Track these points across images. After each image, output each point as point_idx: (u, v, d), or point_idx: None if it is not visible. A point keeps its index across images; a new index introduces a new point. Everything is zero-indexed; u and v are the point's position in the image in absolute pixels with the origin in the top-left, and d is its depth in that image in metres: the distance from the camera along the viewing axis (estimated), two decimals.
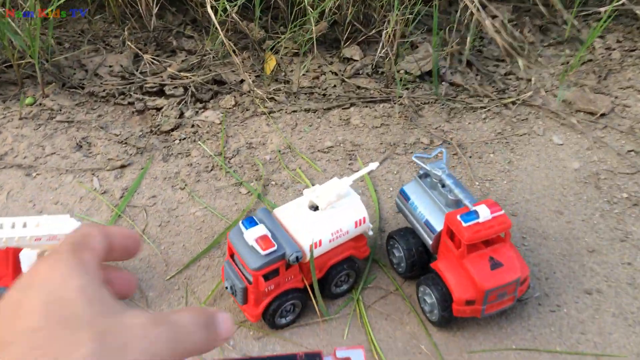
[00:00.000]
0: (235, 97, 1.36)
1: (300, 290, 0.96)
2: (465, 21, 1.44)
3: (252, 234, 0.90)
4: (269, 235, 0.91)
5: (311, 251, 0.92)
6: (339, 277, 0.99)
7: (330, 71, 1.43)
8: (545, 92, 1.40)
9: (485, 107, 1.36)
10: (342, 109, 1.35)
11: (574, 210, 1.17)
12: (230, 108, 1.33)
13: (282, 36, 1.43)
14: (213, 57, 1.40)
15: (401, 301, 1.02)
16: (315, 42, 1.39)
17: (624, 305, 1.02)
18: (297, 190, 1.19)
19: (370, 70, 1.42)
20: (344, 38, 1.44)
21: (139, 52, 1.39)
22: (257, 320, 0.96)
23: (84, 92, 1.34)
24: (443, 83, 1.39)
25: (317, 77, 1.42)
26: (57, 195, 1.15)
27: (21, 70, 1.33)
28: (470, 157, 1.26)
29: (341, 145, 1.27)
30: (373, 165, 0.99)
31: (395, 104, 1.34)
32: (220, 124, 1.29)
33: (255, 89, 1.35)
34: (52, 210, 1.12)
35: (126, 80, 1.37)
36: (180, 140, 1.26)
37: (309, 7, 1.34)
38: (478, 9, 1.36)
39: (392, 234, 1.04)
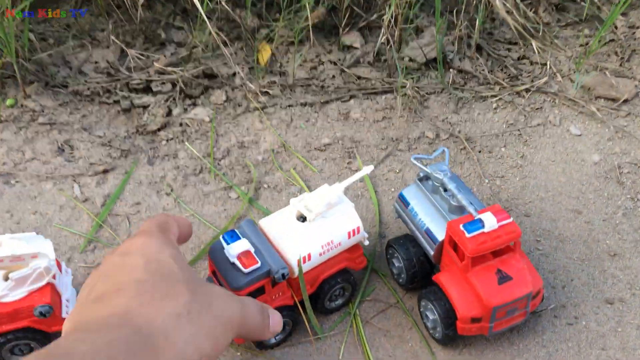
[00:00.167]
0: (226, 91, 1.27)
1: (290, 307, 0.88)
2: (475, 1, 1.33)
3: (234, 250, 0.82)
4: (252, 250, 0.83)
5: (299, 267, 0.84)
6: (332, 291, 0.91)
7: (329, 60, 1.33)
8: (562, 77, 1.28)
9: (496, 96, 1.25)
10: (341, 101, 1.25)
11: (594, 209, 1.07)
12: (221, 104, 1.25)
13: (276, 24, 1.33)
14: (202, 49, 1.31)
15: (402, 315, 0.94)
16: (311, 30, 1.30)
17: None
18: (291, 193, 1.10)
19: (372, 58, 1.33)
20: (343, 24, 1.34)
21: (124, 47, 1.30)
22: (244, 340, 0.89)
23: (67, 91, 1.27)
24: (451, 70, 1.29)
25: (315, 68, 1.32)
26: (35, 204, 1.08)
27: (1, 70, 1.26)
28: (479, 151, 1.16)
29: (339, 142, 1.18)
30: (367, 169, 0.90)
31: (398, 95, 1.24)
32: (210, 122, 1.21)
33: (247, 82, 1.26)
34: (30, 221, 1.05)
35: (112, 77, 1.29)
36: (167, 140, 1.18)
37: None
38: None
39: (391, 242, 0.95)
